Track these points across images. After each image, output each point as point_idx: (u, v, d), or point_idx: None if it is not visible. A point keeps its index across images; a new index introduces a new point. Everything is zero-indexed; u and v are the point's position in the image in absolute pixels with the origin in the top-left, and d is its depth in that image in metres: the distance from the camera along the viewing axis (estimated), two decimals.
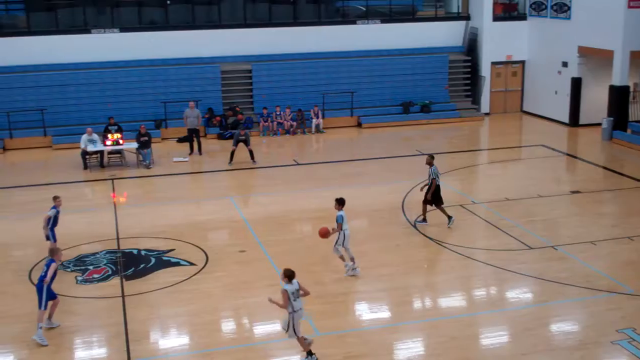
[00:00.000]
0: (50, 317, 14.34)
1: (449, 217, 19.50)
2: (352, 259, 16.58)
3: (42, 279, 13.99)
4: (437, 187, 19.40)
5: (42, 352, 13.48)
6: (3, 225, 20.56)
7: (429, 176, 19.35)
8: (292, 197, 22.23)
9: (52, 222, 17.19)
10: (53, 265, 14.00)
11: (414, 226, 19.59)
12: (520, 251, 17.84)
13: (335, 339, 13.76)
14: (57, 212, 17.26)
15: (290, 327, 12.72)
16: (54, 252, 14.31)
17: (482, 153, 29.36)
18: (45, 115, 29.43)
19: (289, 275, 12.65)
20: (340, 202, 16.42)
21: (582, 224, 19.88)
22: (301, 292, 12.82)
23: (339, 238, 16.38)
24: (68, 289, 16.06)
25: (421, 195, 19.69)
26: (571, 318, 14.61)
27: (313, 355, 12.88)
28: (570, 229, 19.37)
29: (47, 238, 17.11)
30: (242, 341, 13.87)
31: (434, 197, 19.45)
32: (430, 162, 19.52)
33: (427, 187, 19.43)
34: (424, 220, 19.72)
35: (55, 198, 17.43)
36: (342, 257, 16.65)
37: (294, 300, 12.63)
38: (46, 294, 13.96)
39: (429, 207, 19.57)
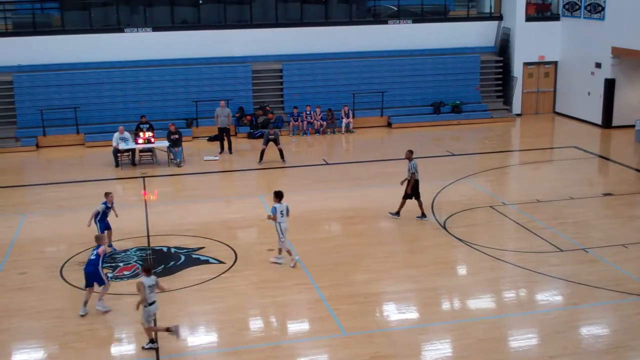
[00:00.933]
0: (86, 303, 14.91)
1: (423, 215, 20.05)
2: (288, 252, 17.14)
3: (93, 262, 14.94)
4: (416, 182, 19.86)
5: (71, 347, 13.66)
6: (36, 221, 20.82)
7: (408, 170, 19.86)
8: (321, 197, 22.26)
9: (101, 216, 17.84)
10: (102, 249, 15.05)
11: (444, 227, 19.51)
12: (550, 253, 17.70)
13: (362, 339, 13.77)
14: (107, 208, 17.97)
15: (144, 317, 13.49)
16: (99, 239, 15.36)
17: (513, 154, 29.15)
18: (78, 113, 29.77)
19: (146, 269, 13.52)
20: (276, 195, 17.00)
21: (614, 226, 19.66)
22: (157, 289, 13.59)
23: (278, 231, 16.93)
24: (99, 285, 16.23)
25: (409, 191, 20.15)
26: (601, 321, 14.48)
27: (155, 342, 13.58)
28: (602, 232, 19.17)
29: (104, 228, 17.86)
30: (270, 340, 13.91)
31: (413, 191, 19.88)
32: (409, 157, 20.00)
33: (406, 181, 19.90)
34: (398, 213, 20.18)
35: (106, 194, 18.14)
36: (288, 252, 17.16)
37: (150, 293, 13.39)
38: (102, 273, 15.07)
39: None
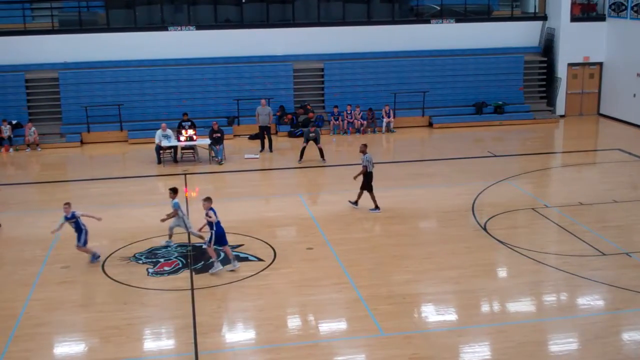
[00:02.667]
0: (232, 258, 16.80)
1: (376, 207, 20.74)
2: (170, 236, 18.27)
3: (218, 224, 16.52)
4: (369, 174, 20.65)
5: (111, 340, 13.82)
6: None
7: (361, 163, 20.64)
8: (361, 196, 22.18)
9: (75, 227, 17.31)
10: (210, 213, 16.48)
11: (484, 229, 19.35)
12: (592, 257, 17.45)
13: (400, 340, 13.72)
14: (65, 219, 17.21)
15: None
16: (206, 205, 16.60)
17: (556, 156, 28.78)
18: (121, 110, 30.12)
19: None
20: (174, 191, 18.06)
21: None
22: None
23: (186, 224, 17.99)
24: (139, 280, 16.43)
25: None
26: None
27: None
28: None
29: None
30: (308, 338, 13.93)
31: (365, 183, 20.68)
32: (363, 150, 20.80)
33: (361, 174, 20.69)
34: (356, 203, 21.04)
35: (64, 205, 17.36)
36: (201, 237, 17.91)
37: None
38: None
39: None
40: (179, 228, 18.20)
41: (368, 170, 20.63)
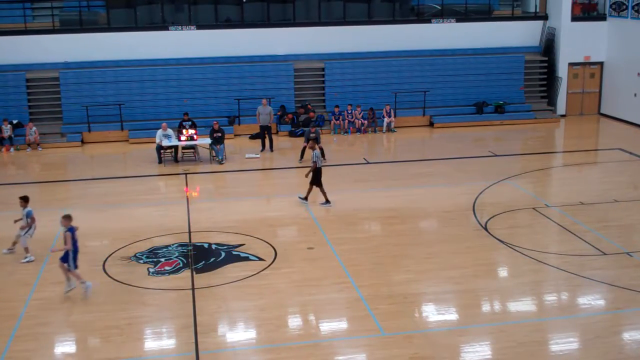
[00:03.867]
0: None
1: (327, 201, 21.24)
2: (26, 249, 17.71)
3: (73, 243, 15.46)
4: (318, 170, 21.13)
5: (112, 340, 13.83)
6: (80, 216, 20.96)
7: (311, 159, 21.23)
8: (362, 196, 22.21)
9: None
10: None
11: (485, 228, 19.35)
12: (593, 257, 17.45)
13: (401, 340, 13.72)
14: None
15: None
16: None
17: (556, 155, 28.78)
18: (122, 109, 30.12)
19: None
20: (25, 200, 17.72)
21: None
22: None
23: (29, 230, 17.62)
24: (140, 280, 16.44)
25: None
26: None
27: None
28: None
29: None
30: (308, 338, 13.93)
31: (314, 178, 21.14)
32: (313, 147, 21.65)
33: (311, 171, 21.13)
34: (306, 199, 21.38)
35: None
36: (26, 249, 17.65)
37: None
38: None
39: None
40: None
41: (317, 166, 20.97)
